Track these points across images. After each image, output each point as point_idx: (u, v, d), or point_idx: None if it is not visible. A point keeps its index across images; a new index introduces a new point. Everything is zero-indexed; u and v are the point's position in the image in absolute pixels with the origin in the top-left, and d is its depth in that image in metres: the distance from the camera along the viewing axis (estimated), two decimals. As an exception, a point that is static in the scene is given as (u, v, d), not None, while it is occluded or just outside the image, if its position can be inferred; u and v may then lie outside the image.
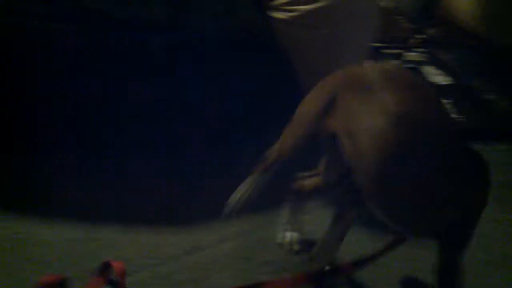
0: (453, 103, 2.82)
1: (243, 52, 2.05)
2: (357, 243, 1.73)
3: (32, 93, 1.91)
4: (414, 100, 1.20)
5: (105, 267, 1.25)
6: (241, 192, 1.62)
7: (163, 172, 1.98)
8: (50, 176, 1.86)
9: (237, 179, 1.99)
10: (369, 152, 1.19)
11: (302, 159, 1.63)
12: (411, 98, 1.20)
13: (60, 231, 1.65)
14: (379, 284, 1.64)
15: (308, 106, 1.49)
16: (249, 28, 2.04)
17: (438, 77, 3.05)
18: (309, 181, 1.66)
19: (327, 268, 1.46)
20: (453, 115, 2.69)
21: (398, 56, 2.89)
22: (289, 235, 1.74)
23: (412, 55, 3.29)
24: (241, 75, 2.07)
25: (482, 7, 2.80)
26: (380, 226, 1.30)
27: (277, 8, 1.99)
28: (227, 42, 2.01)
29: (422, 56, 3.34)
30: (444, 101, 2.78)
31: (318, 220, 1.83)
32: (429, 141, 1.15)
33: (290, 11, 1.97)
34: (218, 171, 2.03)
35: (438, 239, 1.24)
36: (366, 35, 2.21)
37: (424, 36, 3.53)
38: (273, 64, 2.09)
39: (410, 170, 1.14)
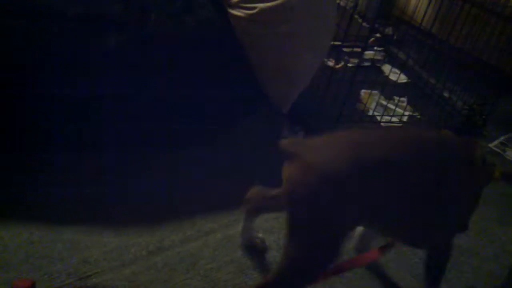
0: (410, 101, 2.88)
1: (201, 50, 2.04)
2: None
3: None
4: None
5: None
6: None
7: (126, 172, 1.95)
8: (9, 176, 1.81)
9: (199, 178, 2.00)
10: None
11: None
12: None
13: (20, 233, 1.60)
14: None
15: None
16: (207, 25, 2.03)
17: (396, 75, 3.11)
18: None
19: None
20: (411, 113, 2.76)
21: (356, 55, 2.93)
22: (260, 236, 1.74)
23: (370, 54, 3.35)
24: (198, 72, 2.06)
25: (436, 7, 2.87)
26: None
27: (236, 6, 2.00)
28: (185, 39, 1.99)
29: (380, 54, 3.40)
30: (402, 98, 2.85)
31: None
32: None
33: (248, 8, 1.97)
34: (181, 170, 2.02)
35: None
36: (324, 33, 2.24)
37: (382, 35, 3.60)
38: (232, 61, 2.09)
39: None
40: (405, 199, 1.31)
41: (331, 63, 2.94)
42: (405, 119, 2.70)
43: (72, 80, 1.85)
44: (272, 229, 1.83)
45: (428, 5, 2.72)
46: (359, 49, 3.08)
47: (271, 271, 1.31)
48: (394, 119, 2.67)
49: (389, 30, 3.78)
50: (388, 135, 1.43)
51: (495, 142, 2.74)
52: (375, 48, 3.48)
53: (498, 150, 2.66)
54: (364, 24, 3.48)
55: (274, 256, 1.71)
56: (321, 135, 1.32)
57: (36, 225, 1.64)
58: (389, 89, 2.87)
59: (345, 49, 3.00)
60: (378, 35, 3.64)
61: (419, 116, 2.82)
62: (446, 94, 3.00)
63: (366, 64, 3.26)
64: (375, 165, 1.25)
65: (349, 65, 3.04)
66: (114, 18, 1.87)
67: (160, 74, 1.98)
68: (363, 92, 2.87)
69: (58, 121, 1.88)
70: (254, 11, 1.97)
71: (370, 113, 2.72)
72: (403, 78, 3.16)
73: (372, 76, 2.94)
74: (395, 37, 3.67)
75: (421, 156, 1.32)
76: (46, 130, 1.87)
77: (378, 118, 2.65)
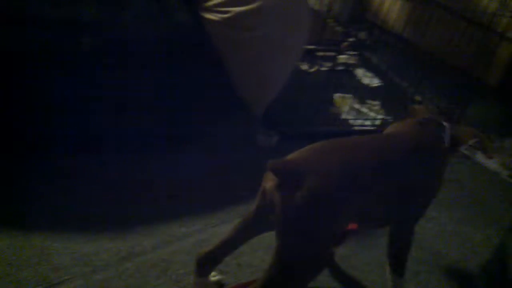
0: (383, 104, 2.91)
1: (176, 53, 2.03)
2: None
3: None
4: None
5: None
6: None
7: (97, 178, 1.93)
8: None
9: (171, 184, 1.99)
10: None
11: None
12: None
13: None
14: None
15: None
16: (182, 29, 2.03)
17: (369, 79, 3.14)
18: None
19: None
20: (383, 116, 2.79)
21: (329, 59, 2.96)
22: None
23: (344, 58, 3.37)
24: (173, 75, 2.05)
25: (408, 12, 2.91)
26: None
27: (210, 10, 1.99)
28: (160, 42, 1.99)
29: (353, 58, 3.43)
30: (375, 102, 2.88)
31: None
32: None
33: (222, 12, 1.97)
34: (152, 176, 2.01)
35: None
36: (299, 37, 2.25)
37: (355, 39, 3.63)
38: (207, 65, 2.08)
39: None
40: (386, 196, 1.37)
41: (305, 67, 2.95)
42: (377, 122, 2.72)
43: (44, 81, 1.83)
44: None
45: (400, 10, 2.75)
46: (332, 53, 3.11)
47: (261, 276, 1.30)
48: (367, 122, 2.69)
49: (362, 35, 3.82)
50: (364, 141, 1.45)
51: (465, 145, 2.77)
52: (349, 52, 3.50)
53: (468, 153, 2.70)
54: (337, 28, 3.52)
55: (247, 260, 1.71)
56: (303, 150, 1.34)
57: (4, 231, 1.61)
58: (362, 93, 2.89)
59: (319, 53, 3.02)
60: (351, 39, 3.67)
61: (391, 120, 2.84)
62: (417, 98, 3.04)
63: (340, 68, 3.28)
64: (362, 174, 1.29)
65: (323, 69, 3.06)
66: (89, 21, 1.86)
67: (134, 77, 1.97)
68: (336, 95, 2.89)
69: (24, 122, 1.85)
70: (228, 15, 1.97)
71: (344, 116, 2.73)
72: (376, 82, 3.19)
73: (345, 80, 2.96)
74: (368, 42, 3.70)
75: (397, 156, 1.39)
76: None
77: (351, 121, 2.67)
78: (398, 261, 1.56)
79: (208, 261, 1.46)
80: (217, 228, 1.82)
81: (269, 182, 1.30)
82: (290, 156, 1.32)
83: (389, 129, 1.62)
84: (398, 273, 1.56)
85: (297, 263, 1.28)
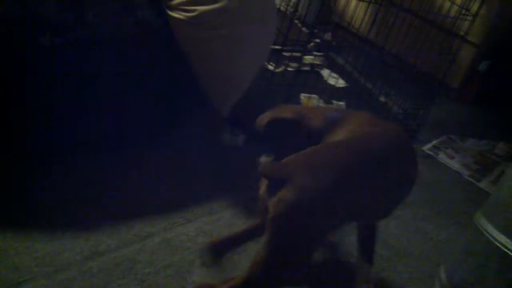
0: (348, 105, 2.95)
1: (140, 51, 2.01)
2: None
3: None
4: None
5: None
6: None
7: (59, 175, 1.89)
8: None
9: (136, 182, 1.97)
10: None
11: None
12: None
13: None
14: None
15: None
16: (146, 27, 2.00)
17: (334, 80, 3.17)
18: None
19: None
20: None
21: (296, 59, 2.98)
22: None
23: (310, 58, 3.40)
24: (138, 75, 2.03)
25: (372, 14, 2.95)
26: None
27: (176, 8, 1.98)
28: (123, 41, 1.96)
29: (319, 59, 3.46)
30: (340, 102, 2.91)
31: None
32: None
33: (188, 11, 1.96)
34: (116, 173, 1.98)
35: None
36: (265, 37, 2.26)
37: (321, 40, 3.67)
38: (172, 63, 2.07)
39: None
40: (370, 195, 1.42)
41: (271, 66, 2.97)
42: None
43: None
44: (212, 233, 1.82)
45: (365, 13, 2.79)
46: (298, 54, 3.13)
47: (243, 272, 1.31)
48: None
49: (328, 36, 3.86)
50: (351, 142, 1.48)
51: (429, 146, 2.83)
52: (315, 53, 3.53)
53: (432, 153, 2.75)
54: (303, 29, 3.54)
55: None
56: (296, 154, 1.36)
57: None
58: (328, 93, 2.92)
59: (285, 53, 3.03)
60: (317, 40, 3.70)
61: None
62: (382, 99, 3.09)
63: (306, 68, 3.31)
64: (352, 176, 1.34)
65: (289, 69, 3.08)
66: (50, 19, 1.82)
67: (98, 76, 1.94)
68: (302, 96, 2.91)
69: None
70: (194, 13, 1.96)
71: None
72: (341, 83, 3.23)
73: (311, 80, 2.98)
74: (333, 43, 3.74)
75: (378, 155, 1.43)
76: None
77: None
78: (368, 251, 1.64)
79: (213, 252, 1.52)
80: (182, 227, 1.81)
81: (262, 186, 1.33)
82: (283, 160, 1.35)
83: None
84: (368, 262, 1.64)
85: (282, 263, 1.29)
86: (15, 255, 1.53)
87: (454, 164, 2.71)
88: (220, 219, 1.89)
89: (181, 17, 1.96)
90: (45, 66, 1.81)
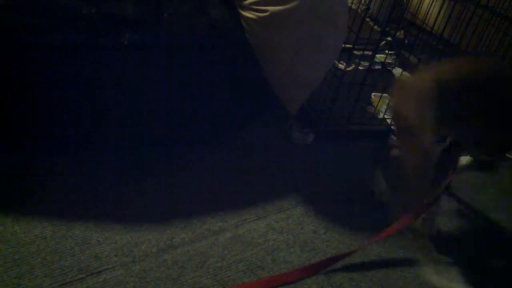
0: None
1: (214, 51, 2.05)
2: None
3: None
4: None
5: None
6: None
7: (135, 171, 1.97)
8: (22, 171, 1.83)
9: (208, 179, 2.02)
10: None
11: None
12: None
13: (33, 227, 1.61)
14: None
15: None
16: (219, 27, 2.04)
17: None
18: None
19: None
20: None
21: (366, 58, 2.94)
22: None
23: (381, 57, 3.35)
24: (212, 74, 2.07)
25: (447, 12, 2.87)
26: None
27: (248, 8, 2.01)
28: (196, 41, 2.01)
29: (391, 58, 3.41)
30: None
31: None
32: None
33: (260, 11, 1.98)
34: (190, 171, 2.04)
35: None
36: (335, 36, 2.25)
37: (393, 38, 3.60)
38: (244, 64, 2.10)
39: None
40: None
41: (341, 65, 2.95)
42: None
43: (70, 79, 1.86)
44: (282, 230, 1.84)
45: (440, 9, 2.72)
46: (370, 52, 3.09)
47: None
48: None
49: (400, 34, 3.78)
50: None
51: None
52: (386, 51, 3.47)
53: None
54: (375, 27, 3.49)
55: (283, 256, 1.73)
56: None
57: (48, 220, 1.66)
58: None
59: (356, 52, 3.00)
60: (389, 38, 3.64)
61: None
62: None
63: (377, 67, 3.26)
64: None
65: (360, 68, 3.04)
66: (128, 17, 1.88)
67: (171, 74, 1.99)
68: (373, 95, 2.87)
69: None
70: (266, 14, 1.98)
71: (381, 116, 2.72)
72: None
73: (383, 79, 2.94)
74: (406, 41, 3.67)
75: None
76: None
77: (389, 121, 2.65)
78: None
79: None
80: (253, 223, 1.84)
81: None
82: None
83: None
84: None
85: None
86: (96, 245, 1.61)
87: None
88: (290, 217, 1.91)
89: (253, 16, 1.99)
90: (122, 66, 1.88)
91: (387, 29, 3.68)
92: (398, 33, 3.76)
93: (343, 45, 2.43)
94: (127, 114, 1.94)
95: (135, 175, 1.94)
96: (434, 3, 3.16)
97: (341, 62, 2.97)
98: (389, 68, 3.32)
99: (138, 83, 1.93)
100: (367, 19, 3.41)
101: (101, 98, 1.88)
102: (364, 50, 3.03)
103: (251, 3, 2.00)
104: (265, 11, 1.98)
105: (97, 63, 1.84)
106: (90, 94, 1.86)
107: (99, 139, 1.96)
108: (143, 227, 1.72)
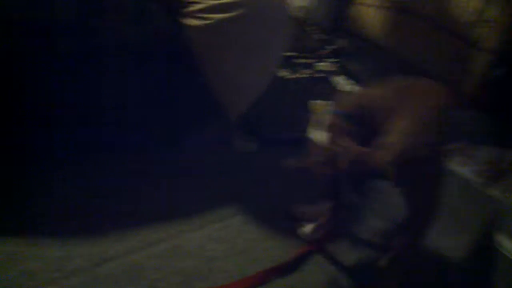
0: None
1: (156, 58, 2.04)
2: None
3: None
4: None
5: None
6: None
7: (68, 180, 1.93)
8: None
9: (144, 189, 1.98)
10: None
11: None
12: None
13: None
14: None
15: None
16: (162, 34, 2.03)
17: (347, 87, 3.16)
18: None
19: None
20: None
21: (309, 66, 2.97)
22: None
23: (323, 65, 3.39)
24: (153, 81, 2.06)
25: (386, 20, 2.94)
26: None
27: (191, 15, 2.00)
28: (139, 48, 1.99)
29: (332, 66, 3.45)
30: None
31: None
32: None
33: (204, 18, 1.98)
34: (126, 180, 2.01)
35: None
36: (278, 44, 2.27)
37: (334, 46, 3.65)
38: (185, 71, 2.09)
39: None
40: None
41: (284, 73, 2.97)
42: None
43: (20, 87, 1.83)
44: (220, 239, 1.83)
45: (378, 19, 2.77)
46: (312, 60, 3.13)
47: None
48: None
49: (342, 42, 3.84)
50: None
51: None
52: (328, 59, 3.52)
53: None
54: (317, 36, 3.54)
55: (220, 266, 1.71)
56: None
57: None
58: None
59: (298, 60, 3.03)
60: (331, 47, 3.69)
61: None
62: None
63: (319, 75, 3.29)
64: None
65: (302, 76, 3.07)
66: (67, 24, 1.85)
67: (114, 82, 1.97)
68: (316, 102, 2.90)
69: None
70: (211, 21, 1.97)
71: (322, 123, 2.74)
72: (356, 89, 3.20)
73: (325, 87, 2.97)
74: (347, 49, 3.72)
75: None
76: None
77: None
78: None
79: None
80: (191, 233, 1.82)
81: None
82: None
83: None
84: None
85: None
86: (25, 261, 1.55)
87: (466, 171, 2.67)
88: (229, 226, 1.90)
89: (197, 24, 1.98)
90: (62, 72, 1.85)
91: (329, 37, 3.73)
92: (339, 42, 3.82)
93: (286, 54, 2.46)
94: (53, 121, 1.90)
95: (65, 187, 1.90)
96: (373, 12, 3.22)
97: (284, 70, 2.99)
98: (331, 76, 3.36)
99: (73, 90, 1.90)
100: (310, 28, 3.45)
101: (31, 104, 1.85)
102: (306, 58, 3.06)
103: (196, 11, 1.99)
104: (211, 18, 1.97)
105: (31, 69, 1.81)
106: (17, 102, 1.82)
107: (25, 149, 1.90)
108: (75, 241, 1.67)
